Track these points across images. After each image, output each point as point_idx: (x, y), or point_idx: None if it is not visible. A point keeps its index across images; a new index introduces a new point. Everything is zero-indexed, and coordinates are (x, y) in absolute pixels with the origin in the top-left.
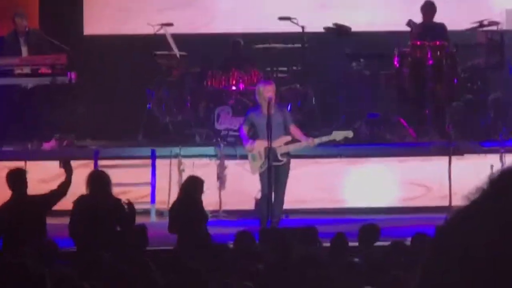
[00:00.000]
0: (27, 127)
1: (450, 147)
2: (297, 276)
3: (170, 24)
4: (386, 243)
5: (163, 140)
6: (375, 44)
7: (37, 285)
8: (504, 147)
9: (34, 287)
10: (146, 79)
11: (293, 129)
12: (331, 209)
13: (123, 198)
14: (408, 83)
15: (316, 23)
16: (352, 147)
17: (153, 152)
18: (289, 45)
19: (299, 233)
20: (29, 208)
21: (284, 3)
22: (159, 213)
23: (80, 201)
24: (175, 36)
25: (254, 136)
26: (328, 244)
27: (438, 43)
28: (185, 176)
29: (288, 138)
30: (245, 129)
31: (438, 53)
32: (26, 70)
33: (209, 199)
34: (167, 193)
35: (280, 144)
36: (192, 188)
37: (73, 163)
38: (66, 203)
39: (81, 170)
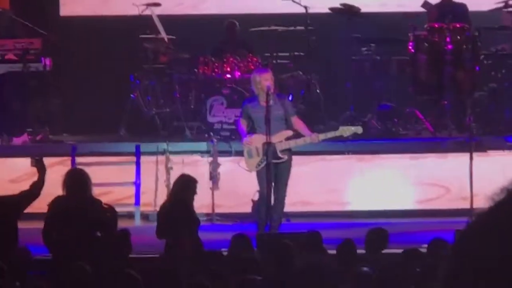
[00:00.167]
0: None
1: (472, 143)
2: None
3: (157, 4)
4: (400, 251)
5: (148, 135)
6: (388, 27)
7: None
8: None
9: None
10: (130, 66)
11: (296, 122)
12: (337, 212)
13: (104, 200)
14: (424, 70)
15: (321, 3)
16: (362, 142)
17: (137, 148)
18: (291, 28)
19: (301, 239)
20: None
21: None
22: (144, 216)
23: (55, 203)
24: (163, 18)
25: (251, 131)
26: (334, 252)
27: (458, 25)
28: (173, 174)
29: (289, 132)
30: (243, 123)
31: (458, 37)
32: None
33: (201, 201)
34: (153, 194)
35: (280, 139)
36: (183, 188)
37: (48, 160)
38: (40, 205)
39: (57, 168)
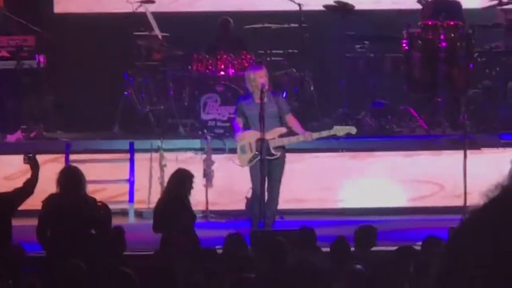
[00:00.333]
0: None
1: (465, 140)
2: (293, 285)
3: (151, 1)
4: (393, 248)
5: (142, 132)
6: (381, 25)
7: None
8: None
9: None
10: (123, 63)
11: (290, 119)
12: (331, 210)
13: (98, 197)
14: (418, 68)
15: (315, 0)
16: (356, 140)
17: (131, 145)
18: (285, 25)
19: (294, 236)
20: None
21: None
22: (138, 214)
23: (49, 201)
24: (156, 15)
25: (245, 128)
26: (328, 249)
27: (452, 23)
28: (167, 172)
29: (283, 129)
30: (238, 121)
31: (452, 34)
32: None
33: (195, 198)
34: (147, 191)
35: (273, 136)
36: (180, 183)
37: (42, 157)
38: (34, 202)
39: (51, 165)
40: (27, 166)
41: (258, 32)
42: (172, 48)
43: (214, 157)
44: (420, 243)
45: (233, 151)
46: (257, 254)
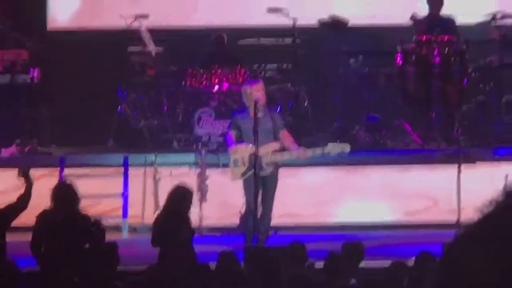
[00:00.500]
0: None
1: (460, 155)
2: None
3: (145, 16)
4: (387, 263)
5: (136, 146)
6: (376, 40)
7: None
8: None
9: None
10: (117, 78)
11: (284, 135)
12: (325, 224)
13: (92, 213)
14: (412, 83)
15: (309, 16)
16: (350, 154)
17: (125, 159)
18: (279, 41)
19: (285, 251)
20: None
21: None
22: (132, 229)
23: (43, 216)
24: (151, 30)
25: (239, 142)
26: (322, 264)
27: (446, 38)
28: (161, 186)
29: (276, 145)
30: (232, 134)
31: (446, 49)
32: None
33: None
34: (141, 206)
35: (266, 151)
36: (179, 199)
37: (36, 171)
38: (28, 218)
39: (45, 179)
40: (21, 181)
41: (252, 47)
42: (166, 64)
43: (208, 171)
44: (413, 258)
45: (227, 166)
46: (251, 270)
